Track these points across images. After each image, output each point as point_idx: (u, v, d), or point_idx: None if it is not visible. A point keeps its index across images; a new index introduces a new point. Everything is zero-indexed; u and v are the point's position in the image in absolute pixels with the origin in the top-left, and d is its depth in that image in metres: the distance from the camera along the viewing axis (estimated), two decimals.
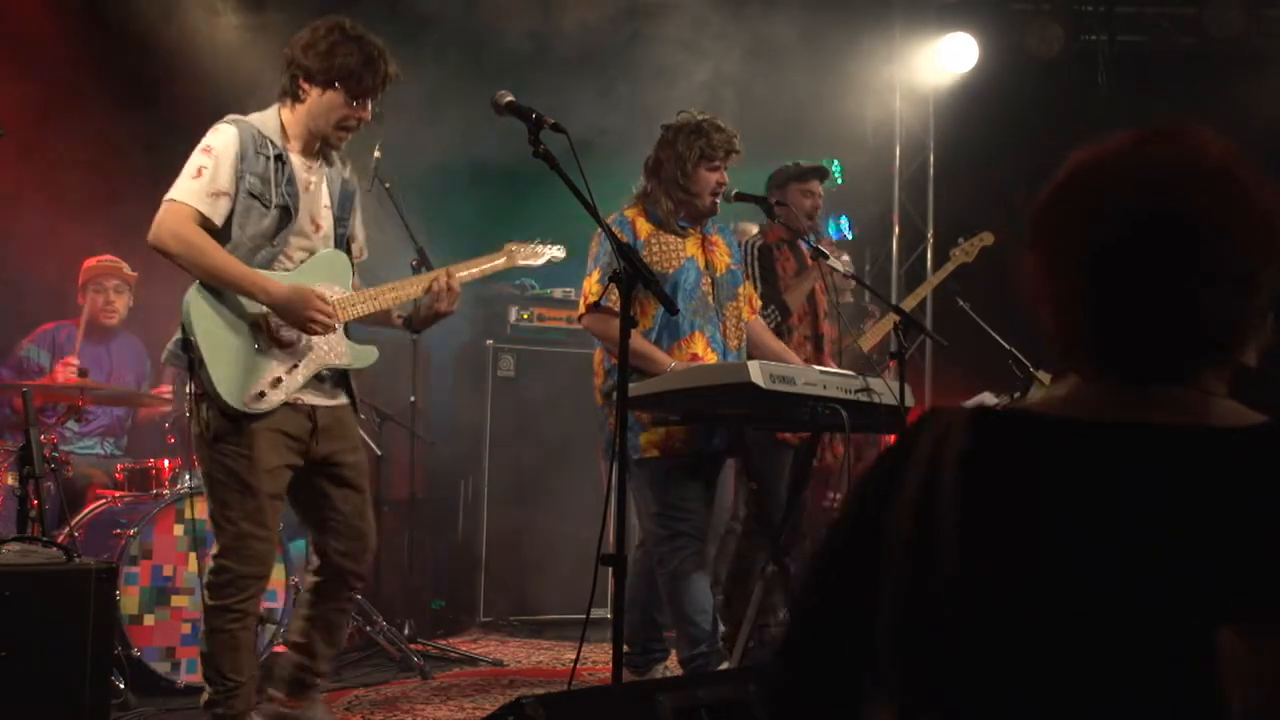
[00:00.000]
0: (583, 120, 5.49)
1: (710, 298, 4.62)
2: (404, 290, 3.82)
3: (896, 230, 8.54)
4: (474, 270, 4.01)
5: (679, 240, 4.58)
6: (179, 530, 4.75)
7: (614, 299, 4.28)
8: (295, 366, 3.63)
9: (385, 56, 3.63)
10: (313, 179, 3.72)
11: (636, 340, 4.37)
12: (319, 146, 3.74)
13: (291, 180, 3.63)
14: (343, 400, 3.81)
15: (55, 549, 3.62)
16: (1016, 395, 5.44)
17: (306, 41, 3.62)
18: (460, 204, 6.69)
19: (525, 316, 6.64)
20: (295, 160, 3.67)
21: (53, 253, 5.93)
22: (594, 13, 7.22)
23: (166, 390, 5.53)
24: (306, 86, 3.62)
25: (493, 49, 6.96)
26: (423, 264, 5.02)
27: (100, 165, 6.09)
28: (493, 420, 6.55)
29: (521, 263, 4.19)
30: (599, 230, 4.12)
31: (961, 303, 5.83)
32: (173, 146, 6.20)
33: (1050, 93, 7.78)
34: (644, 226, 4.54)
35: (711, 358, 4.55)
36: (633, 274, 3.19)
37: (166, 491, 4.94)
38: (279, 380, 3.58)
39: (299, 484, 3.72)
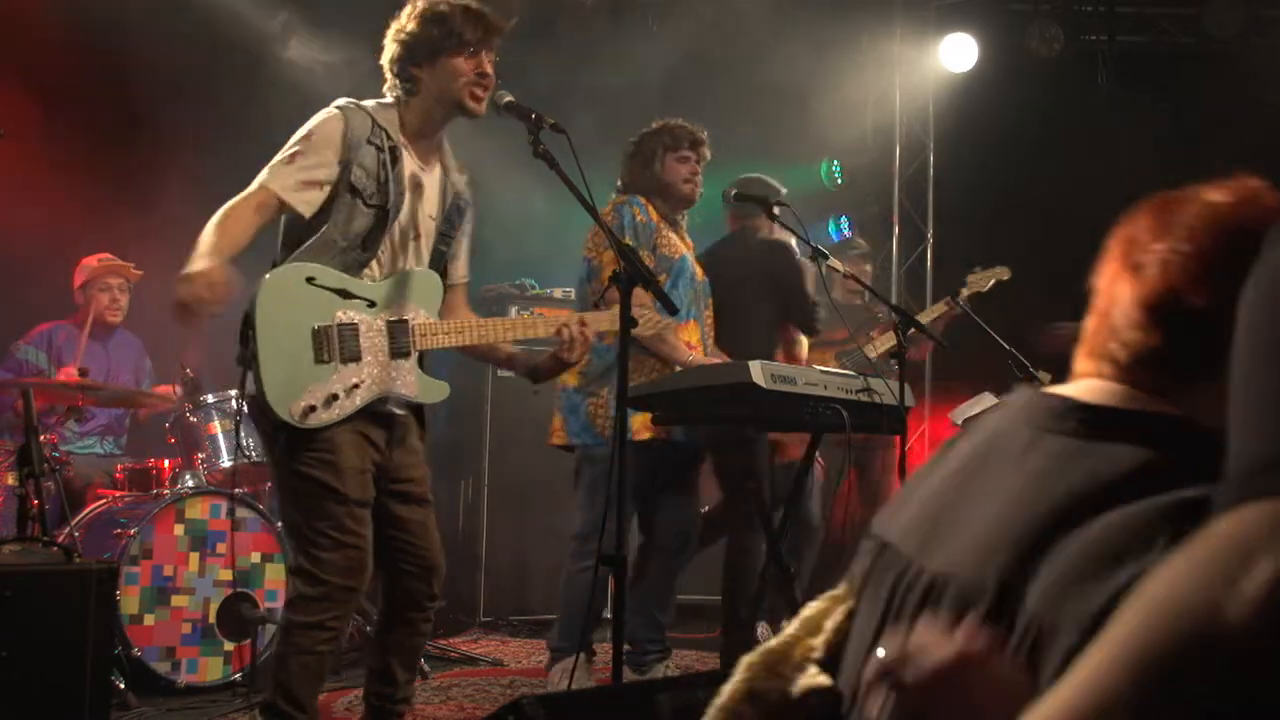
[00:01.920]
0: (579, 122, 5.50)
1: (698, 291, 4.75)
2: (516, 329, 3.50)
3: (896, 230, 8.54)
4: (607, 323, 3.55)
5: (676, 233, 4.72)
6: (179, 530, 4.75)
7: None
8: (356, 388, 3.28)
9: (481, 8, 3.42)
10: (425, 180, 3.46)
11: (667, 332, 4.45)
12: (437, 142, 3.50)
13: (399, 180, 3.36)
14: (405, 413, 3.49)
15: (55, 549, 3.62)
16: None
17: (398, 29, 3.42)
18: None
19: (526, 316, 6.63)
20: (408, 159, 3.42)
21: (49, 252, 5.93)
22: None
23: (168, 390, 5.51)
24: (417, 71, 3.40)
25: None
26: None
27: (95, 165, 6.10)
28: (493, 420, 6.55)
29: (639, 332, 3.57)
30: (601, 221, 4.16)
31: (961, 303, 5.83)
32: (170, 145, 6.28)
33: (1050, 93, 7.78)
34: (655, 213, 4.66)
35: (701, 350, 4.65)
36: (632, 273, 3.21)
37: (167, 491, 4.94)
38: (334, 398, 3.24)
39: None
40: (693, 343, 4.62)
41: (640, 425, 4.48)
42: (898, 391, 4.45)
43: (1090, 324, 1.45)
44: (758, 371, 4.01)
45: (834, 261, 4.86)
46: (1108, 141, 7.51)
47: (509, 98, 3.37)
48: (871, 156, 8.55)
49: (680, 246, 4.68)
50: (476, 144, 6.03)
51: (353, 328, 3.30)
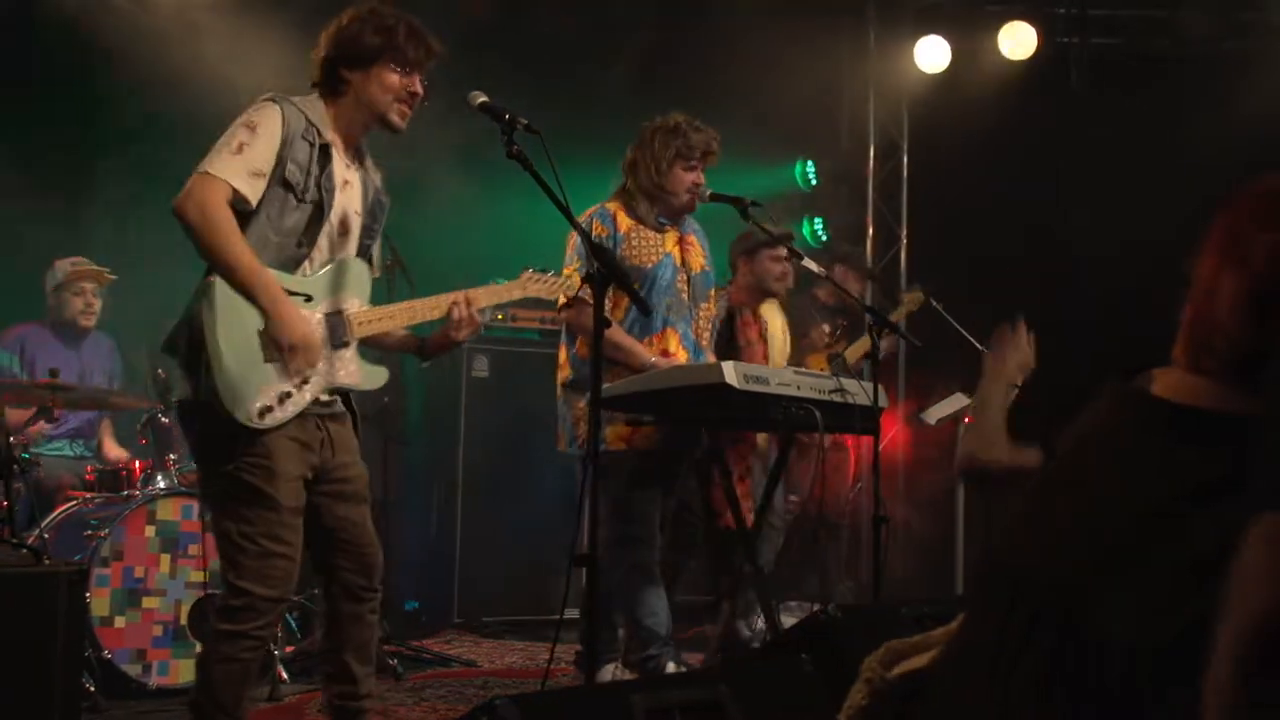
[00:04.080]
0: (555, 121, 5.50)
1: (685, 295, 4.68)
2: (419, 311, 3.52)
3: (870, 232, 8.57)
4: (492, 298, 3.67)
5: (658, 236, 4.64)
6: (150, 531, 4.73)
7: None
8: (305, 382, 3.28)
9: (425, 30, 3.42)
10: (350, 177, 3.46)
11: (618, 334, 4.42)
12: (358, 145, 3.50)
13: (330, 175, 3.35)
14: (340, 409, 3.49)
15: (25, 551, 3.60)
16: None
17: (340, 28, 3.39)
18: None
19: (499, 317, 6.64)
20: (337, 156, 3.40)
21: (15, 253, 5.89)
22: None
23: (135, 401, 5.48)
24: (348, 74, 3.37)
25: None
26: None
27: (63, 165, 6.08)
28: (466, 421, 6.55)
29: (534, 292, 3.78)
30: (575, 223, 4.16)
31: (935, 303, 5.87)
32: (140, 149, 6.24)
33: (1024, 95, 7.83)
34: (625, 220, 4.59)
35: (683, 355, 4.61)
36: (606, 274, 3.22)
37: (138, 492, 4.92)
38: (287, 395, 3.23)
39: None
40: (671, 349, 4.59)
41: (614, 435, 4.47)
42: (871, 392, 4.49)
43: (1188, 314, 1.42)
44: (730, 372, 4.03)
45: (808, 262, 4.89)
46: (1080, 144, 7.56)
47: (483, 98, 3.35)
48: (845, 159, 8.59)
49: (657, 252, 4.62)
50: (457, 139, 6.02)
51: None
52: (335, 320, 3.39)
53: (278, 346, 3.19)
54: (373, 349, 3.63)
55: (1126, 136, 7.28)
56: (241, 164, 3.20)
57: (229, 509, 3.23)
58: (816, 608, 3.61)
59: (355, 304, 3.44)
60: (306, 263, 3.35)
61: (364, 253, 3.55)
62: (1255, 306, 1.34)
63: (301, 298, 3.32)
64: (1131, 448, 1.40)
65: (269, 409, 3.19)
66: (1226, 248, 1.40)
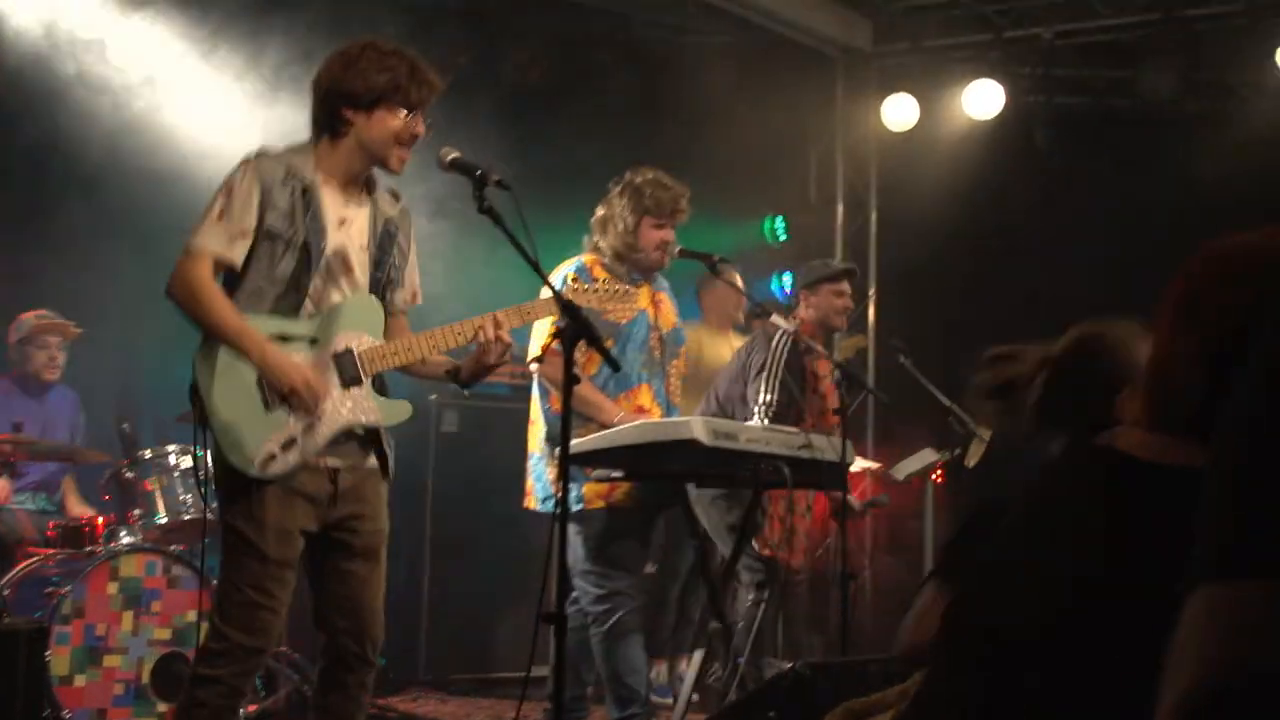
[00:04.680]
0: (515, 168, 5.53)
1: (657, 352, 4.70)
2: (442, 339, 3.46)
3: None
4: (520, 318, 3.58)
5: (633, 292, 4.64)
6: (113, 588, 4.66)
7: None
8: (313, 425, 3.29)
9: (427, 67, 3.40)
10: (349, 214, 3.43)
11: (587, 389, 4.42)
12: (363, 181, 3.48)
13: (317, 215, 3.34)
14: (371, 463, 3.48)
15: None
16: (957, 452, 5.53)
17: (341, 66, 3.36)
18: None
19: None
20: (328, 195, 3.38)
21: None
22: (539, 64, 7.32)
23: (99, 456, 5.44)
24: (350, 114, 3.35)
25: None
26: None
27: (30, 218, 6.04)
28: (435, 476, 6.52)
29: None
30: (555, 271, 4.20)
31: (903, 360, 5.90)
32: (105, 201, 6.21)
33: (990, 152, 7.93)
34: (600, 274, 4.60)
35: (657, 411, 4.63)
36: (577, 330, 3.23)
37: (100, 549, 4.85)
38: (292, 441, 3.26)
39: (309, 549, 3.39)
40: (645, 405, 4.61)
41: (592, 494, 4.47)
42: (839, 448, 4.51)
43: (1147, 374, 1.44)
44: (700, 428, 4.04)
45: (776, 318, 4.92)
46: (1046, 202, 7.66)
47: (455, 154, 3.36)
48: (814, 215, 8.65)
49: (632, 309, 4.64)
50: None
51: None
52: (344, 359, 3.39)
53: (278, 395, 3.27)
54: (408, 379, 3.66)
55: (1090, 194, 7.38)
56: (223, 230, 3.28)
57: (225, 555, 3.33)
58: (787, 665, 3.60)
59: (365, 340, 3.43)
60: (307, 304, 3.36)
61: (380, 286, 3.52)
62: (1212, 367, 1.36)
63: (304, 340, 3.34)
64: (1092, 504, 1.41)
65: (272, 456, 3.24)
66: (1183, 308, 1.42)
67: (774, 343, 5.19)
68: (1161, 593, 1.21)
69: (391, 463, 3.55)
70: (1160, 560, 1.23)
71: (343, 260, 3.42)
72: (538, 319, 3.85)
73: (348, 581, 3.41)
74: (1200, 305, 1.39)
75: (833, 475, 4.48)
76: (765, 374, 5.11)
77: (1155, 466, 1.37)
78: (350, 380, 3.38)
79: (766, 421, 4.92)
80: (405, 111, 3.36)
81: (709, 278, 5.70)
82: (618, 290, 3.78)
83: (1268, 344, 1.03)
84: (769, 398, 5.05)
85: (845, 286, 5.53)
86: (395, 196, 3.62)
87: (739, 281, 5.66)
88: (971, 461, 5.38)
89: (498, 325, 3.44)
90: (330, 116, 3.39)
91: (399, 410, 3.50)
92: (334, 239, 3.39)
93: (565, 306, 3.29)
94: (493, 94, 6.93)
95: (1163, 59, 7.58)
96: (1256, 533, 0.92)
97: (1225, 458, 0.98)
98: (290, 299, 3.34)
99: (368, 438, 3.47)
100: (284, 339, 3.32)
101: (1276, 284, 1.34)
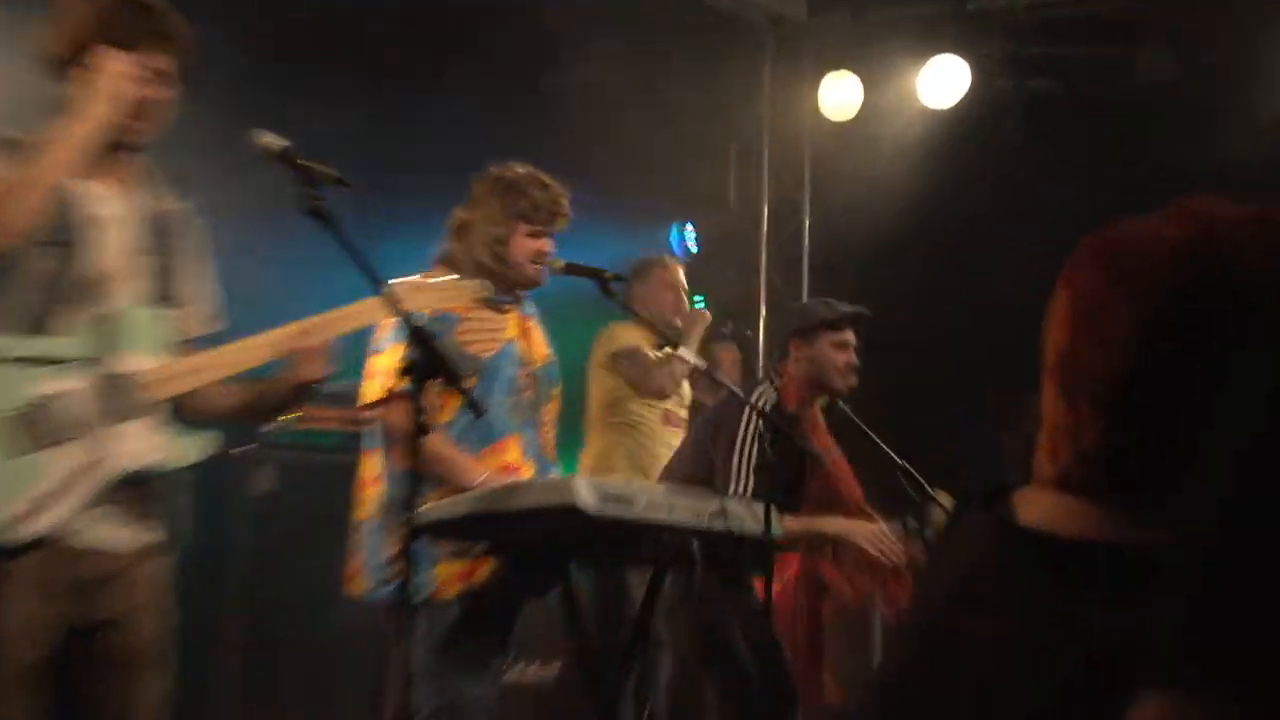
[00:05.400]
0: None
1: (528, 394, 4.60)
2: (247, 355, 3.35)
3: (764, 311, 8.64)
4: (352, 321, 3.49)
5: (499, 318, 4.54)
6: None
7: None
8: (75, 475, 3.12)
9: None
10: (108, 211, 3.32)
11: (437, 443, 4.27)
12: (120, 170, 3.36)
13: (69, 211, 3.22)
14: (146, 535, 3.32)
15: None
16: (909, 521, 5.50)
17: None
18: None
19: (287, 417, 6.51)
20: (82, 186, 3.25)
21: None
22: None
23: None
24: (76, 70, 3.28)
25: None
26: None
27: None
28: (245, 549, 6.41)
29: (424, 305, 3.63)
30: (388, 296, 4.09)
31: (842, 405, 5.91)
32: None
33: (951, 145, 8.00)
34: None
35: (526, 469, 4.52)
36: (431, 365, 3.15)
37: None
38: (51, 495, 3.08)
39: (57, 656, 3.16)
40: (512, 462, 4.49)
41: (446, 576, 4.35)
42: (762, 515, 4.42)
43: (1047, 410, 1.36)
44: (584, 491, 3.92)
45: (683, 352, 4.88)
46: (1015, 202, 7.74)
47: (284, 144, 3.27)
48: (733, 220, 8.68)
49: (497, 339, 4.54)
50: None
51: (55, 400, 3.12)
52: (111, 385, 3.21)
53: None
54: (204, 418, 3.45)
55: (1065, 189, 7.48)
56: None
57: None
58: None
59: (142, 360, 3.25)
60: (66, 319, 3.19)
61: (160, 296, 3.38)
62: (1127, 399, 1.30)
63: (62, 366, 3.16)
64: (999, 599, 1.36)
65: (25, 515, 3.04)
66: (1081, 322, 1.34)
67: (744, 422, 5.05)
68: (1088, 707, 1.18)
69: (180, 531, 3.40)
70: (1090, 666, 1.21)
71: (107, 263, 3.29)
72: (364, 325, 3.66)
73: (108, 703, 3.25)
74: (1103, 317, 1.30)
75: (755, 551, 4.43)
76: (737, 459, 5.01)
77: (1069, 546, 1.31)
78: (122, 413, 3.21)
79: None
80: (128, 49, 3.26)
81: (644, 271, 5.77)
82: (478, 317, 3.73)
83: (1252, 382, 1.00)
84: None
85: (849, 336, 5.24)
86: (176, 196, 3.51)
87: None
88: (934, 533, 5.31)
89: (306, 333, 3.37)
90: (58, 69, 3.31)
91: (190, 447, 3.35)
92: (94, 237, 3.27)
93: (416, 334, 3.20)
94: (363, 82, 6.89)
95: (1160, 35, 7.75)
96: (1236, 634, 0.94)
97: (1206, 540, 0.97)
98: (40, 310, 3.19)
99: (150, 492, 3.30)
100: (36, 362, 3.14)
101: (1223, 288, 1.28)
